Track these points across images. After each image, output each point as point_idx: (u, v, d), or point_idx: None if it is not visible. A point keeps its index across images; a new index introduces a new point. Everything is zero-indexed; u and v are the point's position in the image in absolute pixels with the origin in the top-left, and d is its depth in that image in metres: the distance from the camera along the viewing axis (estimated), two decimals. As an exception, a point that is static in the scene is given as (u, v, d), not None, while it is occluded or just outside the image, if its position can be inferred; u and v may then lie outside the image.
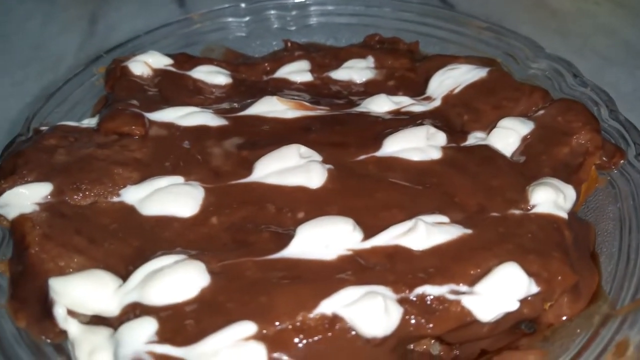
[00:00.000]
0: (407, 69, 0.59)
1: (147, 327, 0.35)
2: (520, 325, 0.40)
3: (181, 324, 0.35)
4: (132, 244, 0.41)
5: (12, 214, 0.42)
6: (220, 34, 0.65)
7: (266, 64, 0.60)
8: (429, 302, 0.37)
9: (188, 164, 0.47)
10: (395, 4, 0.65)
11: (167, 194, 0.44)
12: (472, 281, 0.37)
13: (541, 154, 0.47)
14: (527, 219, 0.42)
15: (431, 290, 0.37)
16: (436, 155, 0.47)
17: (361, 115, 0.53)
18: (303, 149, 0.47)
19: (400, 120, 0.51)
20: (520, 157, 0.48)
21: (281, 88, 0.57)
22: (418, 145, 0.48)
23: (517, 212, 0.42)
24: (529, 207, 0.43)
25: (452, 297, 0.37)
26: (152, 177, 0.45)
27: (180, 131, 0.50)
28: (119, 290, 0.37)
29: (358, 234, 0.40)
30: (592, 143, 0.47)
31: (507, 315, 0.37)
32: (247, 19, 0.66)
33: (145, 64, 0.56)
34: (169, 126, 0.50)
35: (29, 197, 0.43)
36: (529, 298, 0.37)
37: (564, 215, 0.42)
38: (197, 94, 0.56)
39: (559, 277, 0.38)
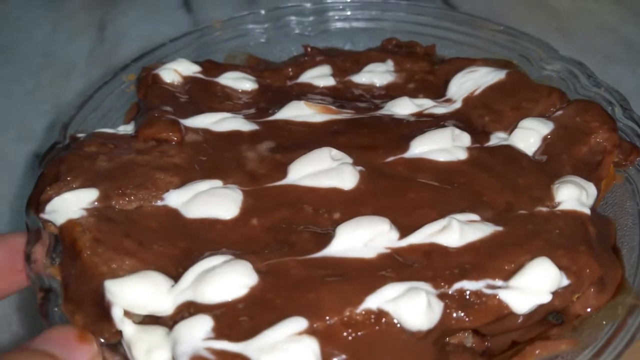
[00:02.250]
0: (426, 72, 0.61)
1: (203, 324, 0.37)
2: (549, 316, 0.43)
3: (236, 320, 0.37)
4: (179, 245, 0.43)
5: (60, 220, 0.44)
6: (241, 41, 0.67)
7: (289, 69, 0.62)
8: (467, 297, 0.39)
9: (225, 168, 0.49)
10: (410, 9, 0.67)
11: (208, 198, 0.46)
12: (507, 276, 0.40)
13: (562, 153, 0.50)
14: (554, 216, 0.44)
15: (469, 286, 0.39)
16: (462, 155, 0.49)
17: (385, 117, 0.55)
18: (334, 152, 0.49)
19: (425, 122, 0.54)
20: (542, 157, 0.50)
21: (305, 92, 0.59)
22: (444, 146, 0.50)
23: (543, 209, 0.45)
24: (554, 205, 0.45)
25: (489, 291, 0.39)
26: (192, 181, 0.47)
27: (214, 136, 0.52)
28: (172, 290, 0.39)
29: (394, 233, 0.42)
30: (609, 142, 0.49)
31: (539, 307, 0.39)
32: (266, 25, 0.67)
33: (175, 71, 0.58)
34: (204, 132, 0.52)
35: (76, 203, 0.44)
36: (560, 290, 0.40)
37: (587, 211, 0.44)
38: (226, 100, 0.58)
39: (587, 270, 0.40)
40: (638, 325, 0.39)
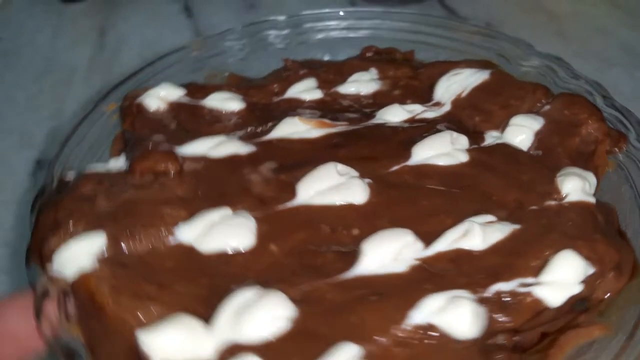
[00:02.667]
0: (409, 77, 0.61)
1: (255, 366, 0.36)
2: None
3: (287, 358, 0.36)
4: (202, 283, 0.42)
5: (70, 272, 0.41)
6: (220, 59, 0.65)
7: (275, 86, 0.61)
8: (504, 298, 0.40)
9: (231, 194, 0.48)
10: (386, 15, 0.68)
11: (222, 229, 0.45)
12: (536, 272, 0.41)
13: (556, 146, 0.51)
14: (564, 209, 0.46)
15: (503, 287, 0.40)
16: (463, 158, 0.50)
17: (380, 126, 0.55)
18: (339, 167, 0.49)
19: (420, 128, 0.54)
20: (537, 152, 0.52)
21: (294, 107, 0.59)
22: (445, 150, 0.51)
23: (552, 203, 0.46)
24: (562, 197, 0.46)
25: (522, 289, 0.40)
26: (201, 212, 0.46)
27: (213, 162, 0.50)
28: (209, 332, 0.38)
29: (419, 243, 0.43)
30: (600, 131, 0.51)
31: (570, 298, 0.41)
32: (244, 41, 0.66)
33: (160, 97, 0.56)
34: (202, 159, 0.51)
35: (84, 251, 0.42)
36: (586, 279, 0.41)
37: (593, 200, 0.46)
38: (216, 122, 0.56)
39: (607, 257, 0.42)
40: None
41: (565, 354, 0.40)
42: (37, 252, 0.43)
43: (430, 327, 0.37)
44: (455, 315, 0.37)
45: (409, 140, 0.52)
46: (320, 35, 0.68)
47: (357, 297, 0.39)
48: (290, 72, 0.63)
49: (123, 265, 0.42)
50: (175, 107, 0.57)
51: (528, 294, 0.40)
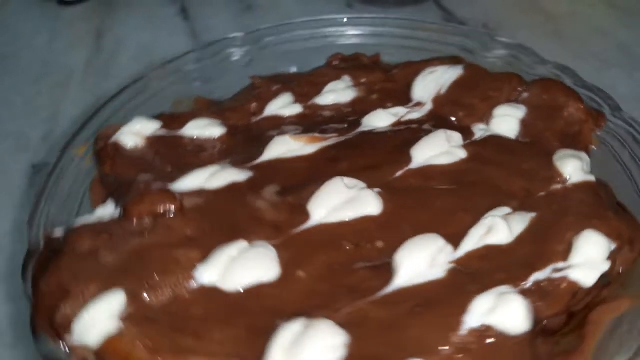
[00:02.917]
0: (383, 81, 0.61)
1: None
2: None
3: None
4: (239, 324, 0.39)
5: (94, 339, 0.37)
6: (184, 84, 0.62)
7: (253, 105, 0.59)
8: (543, 286, 0.40)
9: (242, 225, 0.45)
10: (345, 22, 0.67)
11: (243, 263, 0.42)
12: (564, 256, 0.42)
13: (544, 131, 0.53)
14: (569, 191, 0.47)
15: (540, 276, 0.41)
16: (462, 154, 0.51)
17: (371, 133, 0.54)
18: (346, 180, 0.48)
19: (411, 130, 0.54)
20: (525, 139, 0.54)
21: (276, 126, 0.57)
22: (443, 149, 0.51)
23: (558, 187, 0.48)
24: (565, 180, 0.48)
25: (557, 275, 0.41)
26: (215, 249, 0.43)
27: (214, 194, 0.48)
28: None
29: (449, 246, 0.43)
30: (581, 112, 0.53)
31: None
32: (205, 62, 0.64)
33: (136, 133, 0.53)
34: (200, 192, 0.48)
35: (105, 314, 0.38)
36: (611, 255, 0.42)
37: (593, 178, 0.48)
38: (201, 152, 0.54)
39: (622, 231, 0.44)
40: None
41: (602, 331, 0.41)
42: (47, 322, 0.39)
43: (486, 328, 0.37)
44: (507, 312, 0.38)
45: (405, 144, 0.52)
46: (282, 48, 0.67)
47: (405, 311, 0.39)
48: (262, 89, 0.61)
49: (150, 320, 0.39)
50: (154, 142, 0.53)
51: (563, 278, 0.41)
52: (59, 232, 0.46)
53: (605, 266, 0.42)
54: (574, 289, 0.41)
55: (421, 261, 0.41)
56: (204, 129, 0.55)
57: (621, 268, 0.44)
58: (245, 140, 0.55)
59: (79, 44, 0.89)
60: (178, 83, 0.62)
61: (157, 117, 0.56)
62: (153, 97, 0.60)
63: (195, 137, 0.55)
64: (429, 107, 0.58)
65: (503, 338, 0.37)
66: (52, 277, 0.41)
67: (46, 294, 0.40)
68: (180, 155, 0.53)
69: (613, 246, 0.43)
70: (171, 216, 0.46)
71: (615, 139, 0.53)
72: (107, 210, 0.48)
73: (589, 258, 0.42)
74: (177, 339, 0.38)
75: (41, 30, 0.92)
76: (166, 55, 0.63)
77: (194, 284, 0.41)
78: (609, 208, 0.46)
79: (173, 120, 0.56)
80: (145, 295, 0.40)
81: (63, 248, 0.43)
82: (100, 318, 0.38)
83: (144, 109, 0.59)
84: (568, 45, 0.82)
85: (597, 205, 0.45)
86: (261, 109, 0.59)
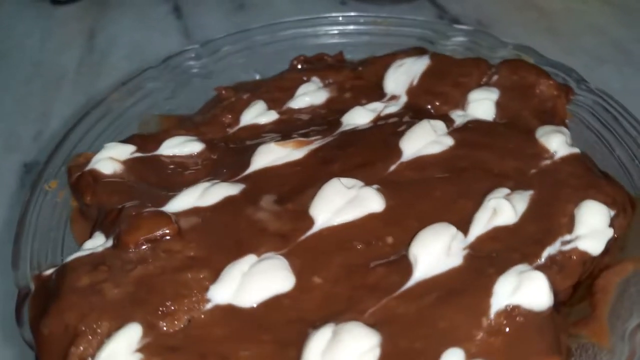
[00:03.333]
0: (353, 78, 0.61)
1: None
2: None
3: None
4: (264, 339, 0.38)
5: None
6: (146, 103, 0.59)
7: (226, 117, 0.57)
8: (556, 260, 0.41)
9: (247, 239, 0.44)
10: (300, 23, 0.67)
11: (257, 278, 0.41)
12: (569, 228, 0.43)
13: (520, 110, 0.55)
14: (559, 164, 0.49)
15: (551, 250, 0.42)
16: (450, 141, 0.51)
17: (355, 131, 0.54)
18: (344, 180, 0.47)
19: (394, 124, 0.54)
20: (503, 120, 0.55)
21: (256, 135, 0.55)
22: (431, 138, 0.51)
23: (547, 162, 0.49)
24: (552, 155, 0.49)
25: (567, 247, 0.42)
26: (226, 269, 0.41)
27: (210, 211, 0.46)
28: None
29: (460, 233, 0.43)
30: (552, 87, 0.55)
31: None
32: (165, 78, 0.61)
33: (112, 159, 0.50)
34: (195, 211, 0.46)
35: (123, 350, 0.36)
36: (611, 222, 0.44)
37: (577, 150, 0.50)
38: (184, 170, 0.51)
39: (617, 197, 0.46)
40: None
41: (612, 295, 0.43)
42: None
43: (514, 308, 0.38)
44: (531, 289, 0.38)
45: (392, 138, 0.52)
46: (241, 56, 0.65)
47: (432, 302, 0.39)
48: (231, 100, 0.59)
49: (172, 349, 0.37)
50: (132, 165, 0.51)
51: (573, 249, 0.42)
52: (49, 271, 0.42)
53: (609, 232, 0.43)
54: (584, 258, 0.42)
55: (437, 251, 0.41)
56: (182, 147, 0.53)
57: (617, 233, 0.46)
58: (226, 153, 0.53)
59: (72, 43, 0.89)
60: (140, 103, 0.59)
61: (129, 140, 0.53)
62: (117, 120, 0.57)
63: (174, 156, 0.52)
64: (404, 99, 0.58)
65: (531, 315, 0.38)
66: (55, 319, 0.38)
67: (51, 338, 0.37)
68: (163, 176, 0.50)
69: (612, 213, 0.44)
70: (168, 239, 0.43)
71: (585, 110, 0.55)
72: (97, 242, 0.44)
73: (593, 227, 0.43)
74: (204, 365, 0.36)
75: (34, 29, 0.92)
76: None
77: (208, 305, 0.40)
78: (601, 177, 0.48)
79: (146, 141, 0.53)
80: (161, 323, 0.38)
81: (59, 286, 0.40)
82: (118, 354, 0.36)
83: (109, 133, 0.56)
84: (561, 42, 0.83)
85: (588, 176, 0.47)
86: (236, 119, 0.57)
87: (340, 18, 0.67)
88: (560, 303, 0.45)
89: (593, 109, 0.55)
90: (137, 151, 0.52)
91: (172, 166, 0.52)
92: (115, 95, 0.58)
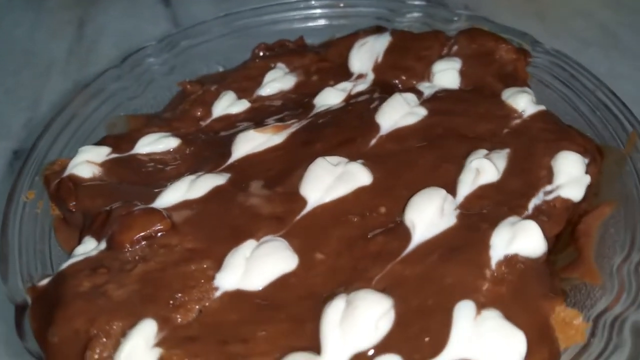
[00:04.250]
0: (317, 61, 0.62)
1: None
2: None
3: (421, 340, 0.36)
4: (279, 318, 0.38)
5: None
6: (110, 104, 0.58)
7: (198, 110, 0.56)
8: (543, 210, 0.44)
9: (244, 225, 0.44)
10: (252, 12, 0.67)
11: (261, 261, 0.41)
12: (549, 179, 0.46)
13: (484, 76, 0.57)
14: (529, 122, 0.51)
15: (536, 201, 0.44)
16: (423, 112, 0.53)
17: (329, 111, 0.55)
18: (329, 158, 0.48)
19: (366, 101, 0.55)
20: (468, 87, 0.57)
21: (231, 125, 0.55)
22: (405, 110, 0.53)
23: (517, 121, 0.51)
24: (521, 114, 0.52)
25: (550, 197, 0.45)
26: (228, 255, 0.41)
27: (202, 203, 0.45)
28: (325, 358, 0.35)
29: (449, 195, 0.44)
30: (511, 51, 0.58)
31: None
32: (127, 77, 0.60)
33: (88, 162, 0.48)
34: (186, 204, 0.45)
35: (141, 346, 0.35)
36: (587, 169, 0.47)
37: (544, 107, 0.53)
38: (165, 166, 0.50)
39: (587, 145, 0.48)
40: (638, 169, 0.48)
41: (595, 238, 0.46)
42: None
43: (512, 256, 0.40)
44: (526, 237, 0.40)
45: (367, 114, 0.53)
46: (200, 49, 0.65)
47: (435, 262, 0.40)
48: (202, 93, 0.58)
49: (191, 339, 0.36)
50: (110, 167, 0.49)
51: (556, 198, 0.45)
52: (44, 281, 0.41)
53: (587, 179, 0.46)
54: (567, 205, 0.45)
55: (432, 214, 0.42)
56: (157, 144, 0.52)
57: (592, 180, 0.49)
58: (204, 145, 0.53)
59: (61, 33, 0.89)
60: (104, 105, 0.58)
61: (102, 141, 0.52)
62: (84, 124, 0.56)
63: (151, 153, 0.51)
64: (371, 76, 0.59)
65: (529, 262, 0.40)
66: (64, 327, 0.37)
67: (62, 345, 0.36)
68: (143, 174, 0.49)
69: (586, 160, 0.47)
70: (163, 235, 0.43)
71: (543, 71, 0.58)
72: (89, 247, 0.43)
73: (571, 175, 0.45)
74: (225, 349, 0.36)
75: (23, 19, 0.93)
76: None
77: (217, 293, 0.39)
78: (570, 128, 0.50)
79: (120, 141, 0.52)
80: (175, 316, 0.37)
81: (60, 294, 0.39)
82: (137, 352, 0.35)
83: (78, 138, 0.54)
84: (549, 26, 0.84)
85: (558, 129, 0.50)
86: (207, 112, 0.56)
87: (299, 4, 0.68)
88: (547, 252, 0.48)
89: (550, 68, 0.58)
90: (112, 152, 0.51)
91: (151, 164, 0.51)
92: (79, 100, 0.56)
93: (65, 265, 0.41)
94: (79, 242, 0.44)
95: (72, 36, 0.89)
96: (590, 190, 0.49)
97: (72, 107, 0.56)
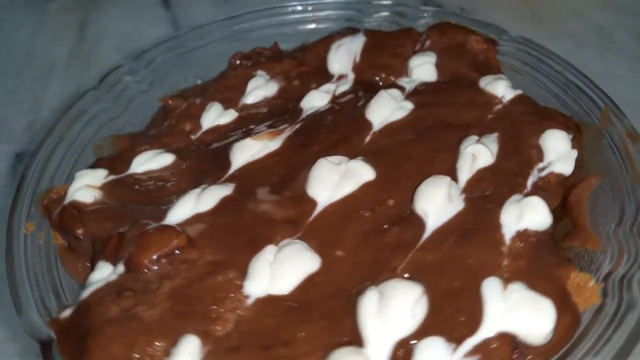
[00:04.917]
0: (296, 65, 0.63)
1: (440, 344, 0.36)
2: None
3: (457, 321, 0.37)
4: (315, 317, 0.39)
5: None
6: (95, 126, 0.57)
7: (187, 124, 0.56)
8: (540, 185, 0.46)
9: (260, 232, 0.44)
10: (227, 23, 0.67)
11: (285, 265, 0.42)
12: (540, 157, 0.48)
13: (459, 67, 0.59)
14: (509, 107, 0.54)
15: (533, 179, 0.47)
16: (410, 105, 0.55)
17: (318, 113, 0.56)
18: (330, 158, 0.49)
19: (352, 100, 0.57)
20: (446, 79, 0.59)
21: (222, 136, 0.55)
22: (393, 105, 0.54)
23: (499, 106, 0.54)
24: (501, 100, 0.55)
25: (544, 173, 0.48)
26: (251, 263, 0.42)
27: (213, 215, 0.46)
28: (368, 351, 0.37)
29: (453, 182, 0.46)
30: (480, 42, 0.61)
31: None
32: (106, 98, 0.58)
33: (88, 187, 0.48)
34: (198, 218, 0.45)
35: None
36: (572, 143, 0.50)
37: (520, 91, 0.56)
38: (165, 182, 0.50)
39: (569, 122, 0.52)
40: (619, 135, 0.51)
41: (587, 207, 0.49)
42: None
43: (523, 231, 0.42)
44: (534, 212, 0.43)
45: (357, 112, 0.54)
46: (176, 63, 0.64)
47: (452, 246, 0.42)
48: (186, 107, 0.58)
49: (235, 349, 0.37)
50: (110, 189, 0.49)
51: (550, 174, 0.47)
52: (65, 312, 0.40)
53: (574, 153, 0.49)
54: (560, 178, 0.48)
55: (441, 200, 0.44)
56: (152, 162, 0.51)
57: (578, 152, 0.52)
58: (199, 158, 0.53)
59: (62, 35, 0.91)
60: (88, 127, 0.56)
61: (97, 164, 0.51)
62: (70, 148, 0.54)
63: (148, 171, 0.51)
64: (352, 76, 0.61)
65: (539, 234, 0.43)
66: (99, 355, 0.36)
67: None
68: (146, 193, 0.49)
69: (570, 135, 0.50)
70: (181, 251, 0.43)
71: (511, 58, 0.62)
72: (105, 272, 0.43)
73: (559, 151, 0.49)
74: (269, 354, 0.37)
75: (25, 22, 0.94)
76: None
77: (249, 301, 0.40)
78: (548, 108, 0.54)
79: (114, 162, 0.51)
80: (214, 328, 0.38)
81: (88, 323, 0.38)
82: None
83: (67, 163, 0.53)
84: (544, 27, 0.85)
85: (538, 110, 0.53)
86: (196, 125, 0.56)
87: (267, 11, 0.68)
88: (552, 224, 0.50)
89: (518, 55, 0.61)
90: (109, 174, 0.50)
91: (150, 182, 0.50)
92: (62, 125, 0.55)
93: (86, 293, 0.40)
94: (92, 268, 0.44)
95: (73, 39, 0.90)
96: (576, 163, 0.52)
97: (56, 132, 0.54)
